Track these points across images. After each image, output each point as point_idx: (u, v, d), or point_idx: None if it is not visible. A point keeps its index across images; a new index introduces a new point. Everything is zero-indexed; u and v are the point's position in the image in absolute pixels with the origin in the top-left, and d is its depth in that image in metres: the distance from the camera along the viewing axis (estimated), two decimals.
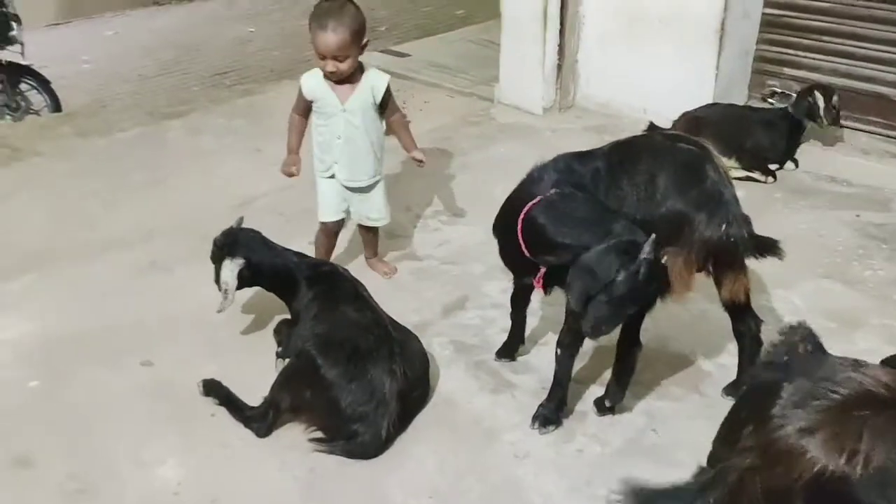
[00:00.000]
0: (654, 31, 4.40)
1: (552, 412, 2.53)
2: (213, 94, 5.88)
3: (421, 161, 3.17)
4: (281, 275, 2.71)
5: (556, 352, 2.49)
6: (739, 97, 4.46)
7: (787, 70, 4.40)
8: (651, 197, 2.40)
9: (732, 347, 2.68)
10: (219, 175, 4.28)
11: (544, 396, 2.55)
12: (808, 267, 3.29)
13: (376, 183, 3.18)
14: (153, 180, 4.23)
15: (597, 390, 2.65)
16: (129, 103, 5.68)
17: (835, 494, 1.39)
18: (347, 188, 3.15)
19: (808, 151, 4.14)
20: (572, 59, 4.80)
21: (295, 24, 7.92)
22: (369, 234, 3.35)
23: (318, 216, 3.24)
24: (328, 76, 3.01)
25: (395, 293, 3.18)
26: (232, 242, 2.69)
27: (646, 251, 2.13)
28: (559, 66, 4.77)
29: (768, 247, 2.39)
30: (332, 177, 3.13)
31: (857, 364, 1.54)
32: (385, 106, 3.11)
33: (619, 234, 2.22)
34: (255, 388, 2.54)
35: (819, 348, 1.71)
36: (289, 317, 2.78)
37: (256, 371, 2.68)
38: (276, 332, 2.86)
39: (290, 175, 3.13)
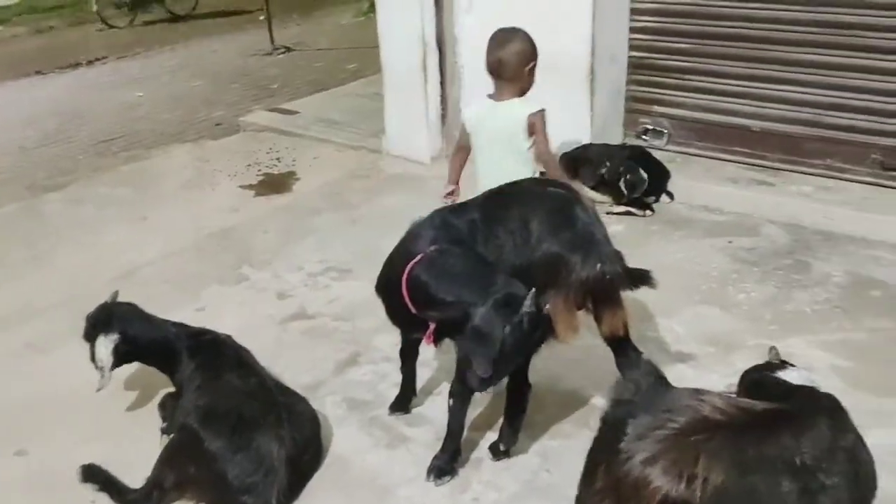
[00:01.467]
0: None
1: (447, 463, 2.53)
2: (97, 162, 5.74)
3: None
4: (160, 348, 2.64)
5: (449, 402, 2.50)
6: (615, 136, 4.65)
7: (656, 108, 4.63)
8: (526, 242, 2.47)
9: None
10: (101, 247, 4.16)
11: (439, 447, 2.55)
12: (686, 294, 3.43)
13: None
14: (30, 257, 4.08)
15: (492, 436, 2.67)
16: (7, 177, 5.48)
17: None
18: None
19: (683, 183, 4.33)
20: (455, 108, 4.91)
21: (185, 86, 7.85)
22: None
23: None
24: None
25: (287, 354, 3.15)
26: (105, 318, 2.62)
27: (527, 305, 2.20)
28: (443, 116, 4.88)
29: (642, 278, 2.47)
30: None
31: (696, 392, 1.63)
32: None
33: (498, 289, 2.28)
34: (142, 468, 2.44)
35: (662, 381, 1.79)
36: (174, 390, 2.70)
37: (143, 450, 2.58)
38: (161, 406, 2.78)
39: None
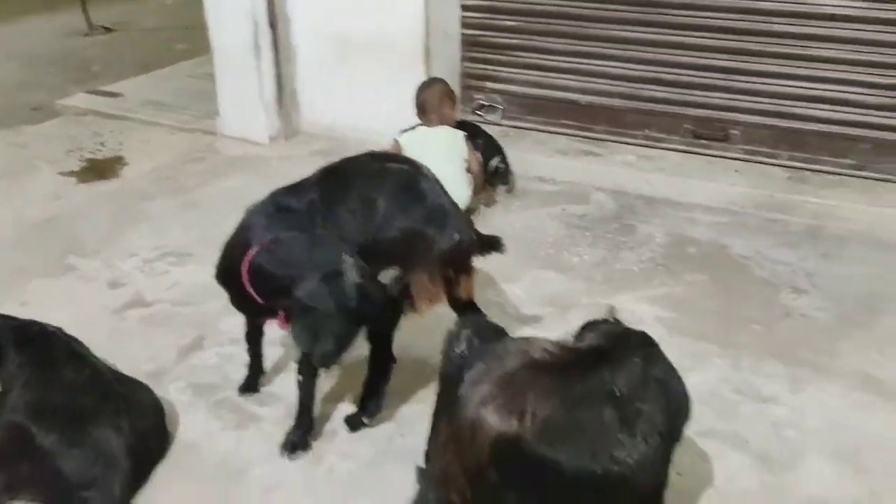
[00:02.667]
0: (364, 56, 4.57)
1: (300, 437, 2.52)
2: None
3: None
4: None
5: (298, 378, 2.48)
6: None
7: (489, 84, 4.77)
8: (370, 221, 2.44)
9: None
10: None
11: (292, 424, 2.53)
12: (527, 261, 3.59)
13: None
14: None
15: (346, 407, 2.68)
16: None
17: (515, 453, 1.56)
18: None
19: (517, 156, 4.48)
20: (291, 86, 4.84)
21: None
22: None
23: None
24: None
25: (125, 343, 3.00)
26: None
27: (348, 276, 2.16)
28: (279, 95, 4.79)
29: (493, 244, 2.57)
30: None
31: (526, 340, 1.74)
32: None
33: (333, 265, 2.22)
34: None
35: (494, 332, 1.90)
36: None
37: None
38: None
39: None
